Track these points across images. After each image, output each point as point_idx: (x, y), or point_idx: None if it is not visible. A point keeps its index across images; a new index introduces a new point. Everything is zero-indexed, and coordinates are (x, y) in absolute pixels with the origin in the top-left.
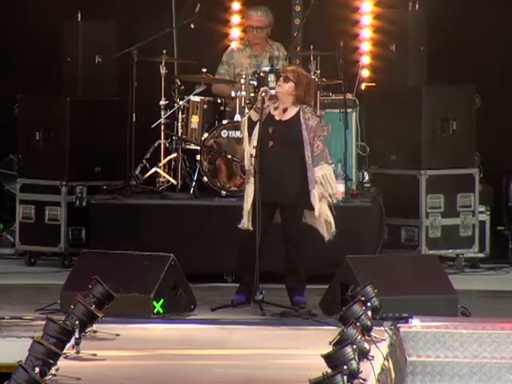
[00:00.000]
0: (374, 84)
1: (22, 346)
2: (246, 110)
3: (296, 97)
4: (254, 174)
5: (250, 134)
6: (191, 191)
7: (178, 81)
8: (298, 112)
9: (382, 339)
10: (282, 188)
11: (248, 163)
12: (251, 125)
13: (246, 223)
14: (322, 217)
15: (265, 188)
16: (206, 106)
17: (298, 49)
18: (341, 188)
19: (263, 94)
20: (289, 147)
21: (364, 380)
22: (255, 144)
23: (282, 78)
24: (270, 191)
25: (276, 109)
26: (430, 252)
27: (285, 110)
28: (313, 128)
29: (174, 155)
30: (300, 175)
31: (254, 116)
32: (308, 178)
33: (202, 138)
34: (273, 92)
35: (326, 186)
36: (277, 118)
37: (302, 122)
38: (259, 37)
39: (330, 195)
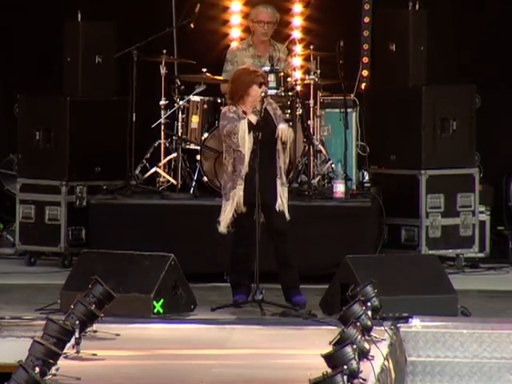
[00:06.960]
0: (373, 84)
1: (22, 346)
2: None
3: None
4: (247, 177)
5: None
6: (191, 191)
7: (178, 81)
8: (266, 107)
9: (382, 339)
10: (265, 187)
11: (246, 169)
12: (251, 128)
13: (223, 227)
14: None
15: (251, 190)
16: (205, 106)
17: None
18: (341, 188)
19: (262, 94)
20: (269, 144)
21: (364, 380)
22: (249, 147)
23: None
24: (256, 193)
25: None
26: (430, 252)
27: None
28: (280, 116)
29: (174, 155)
30: (274, 169)
31: (254, 119)
32: (276, 167)
33: (202, 138)
34: (272, 92)
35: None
36: (253, 121)
37: (272, 114)
38: (268, 33)
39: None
